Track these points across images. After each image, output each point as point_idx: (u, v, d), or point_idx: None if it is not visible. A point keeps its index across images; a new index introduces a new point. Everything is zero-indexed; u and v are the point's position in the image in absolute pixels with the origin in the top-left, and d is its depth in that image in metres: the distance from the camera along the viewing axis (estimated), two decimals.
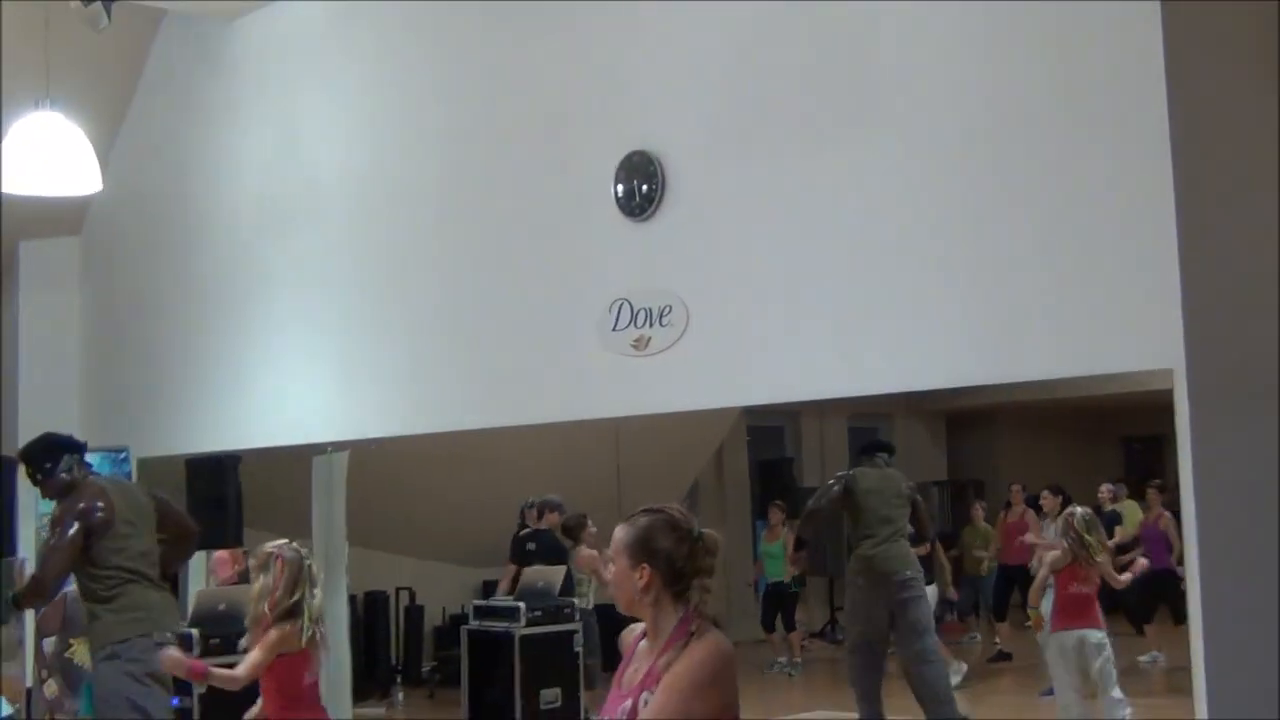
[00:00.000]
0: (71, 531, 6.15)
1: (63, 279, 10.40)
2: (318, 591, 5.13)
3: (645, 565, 3.08)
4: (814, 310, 6.01)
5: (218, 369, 9.13)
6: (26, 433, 9.85)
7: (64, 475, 6.27)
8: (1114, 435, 18.38)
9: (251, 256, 8.92)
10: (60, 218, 10.24)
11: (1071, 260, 5.24)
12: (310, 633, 5.02)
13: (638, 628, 3.22)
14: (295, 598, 5.02)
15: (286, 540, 5.24)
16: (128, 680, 6.02)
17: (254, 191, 8.95)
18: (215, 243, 9.23)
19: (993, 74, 5.46)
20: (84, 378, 10.28)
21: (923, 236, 5.66)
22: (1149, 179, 4.98)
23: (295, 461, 8.76)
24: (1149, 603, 12.59)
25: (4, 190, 7.77)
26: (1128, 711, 8.19)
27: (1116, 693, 8.17)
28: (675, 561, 3.08)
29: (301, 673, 5.00)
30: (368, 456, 8.67)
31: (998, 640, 14.44)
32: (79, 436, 9.29)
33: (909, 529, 9.80)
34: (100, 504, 6.25)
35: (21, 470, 9.50)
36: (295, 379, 8.58)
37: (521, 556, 10.06)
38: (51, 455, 6.31)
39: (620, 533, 3.16)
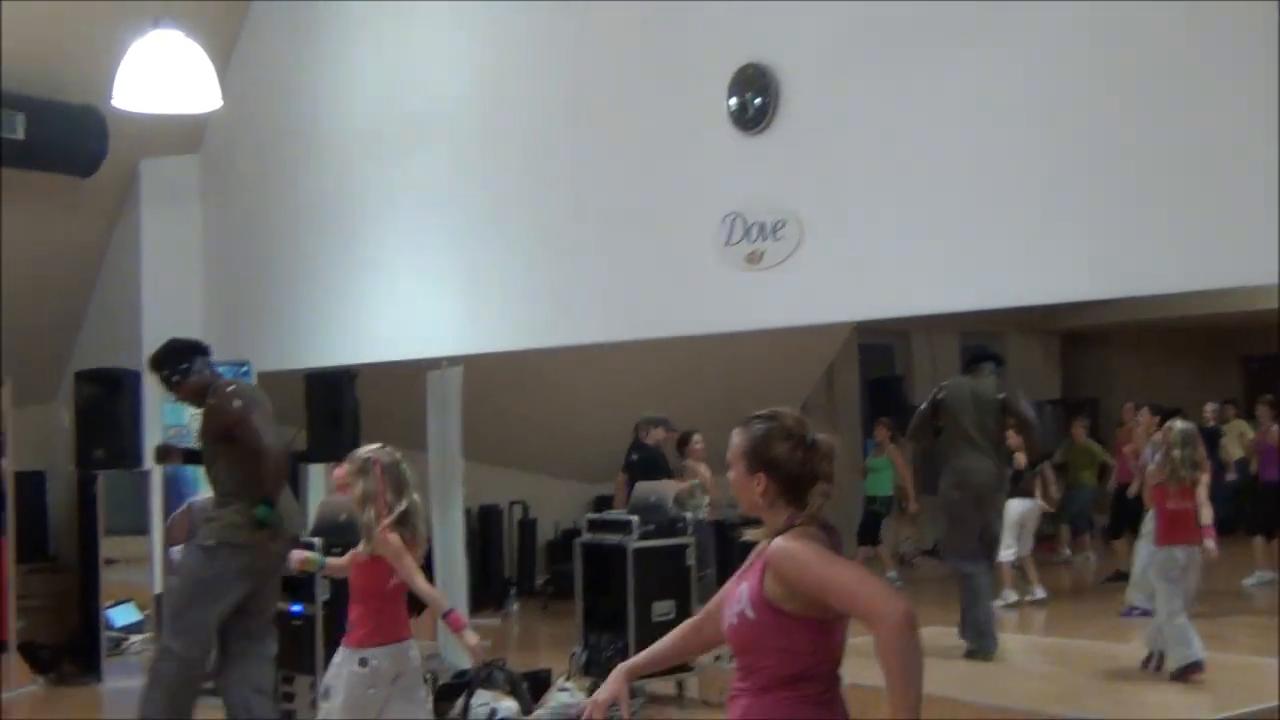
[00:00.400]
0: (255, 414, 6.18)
1: (184, 196, 10.58)
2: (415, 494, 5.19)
3: (761, 473, 3.09)
4: (929, 225, 5.96)
5: (335, 285, 9.27)
6: (152, 348, 10.08)
7: (197, 377, 6.29)
8: (1232, 355, 18.10)
9: (369, 173, 9.02)
10: (180, 135, 10.41)
11: (1190, 177, 5.15)
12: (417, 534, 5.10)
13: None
14: (404, 500, 5.08)
15: (380, 444, 5.26)
16: (209, 566, 6.16)
17: (371, 109, 9.03)
18: (333, 160, 9.34)
19: None
20: (206, 293, 10.49)
21: (1041, 151, 5.58)
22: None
23: (411, 376, 8.88)
24: (1263, 520, 12.47)
25: (125, 108, 7.92)
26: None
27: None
28: (790, 468, 3.08)
29: (389, 575, 5.08)
30: (482, 372, 8.78)
31: (1084, 557, 14.39)
32: None
33: (1003, 441, 9.73)
34: (256, 397, 6.33)
35: (149, 381, 9.77)
36: (412, 295, 8.69)
37: (628, 470, 10.17)
38: (184, 358, 6.32)
39: (737, 439, 3.15)
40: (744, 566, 3.17)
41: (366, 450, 5.10)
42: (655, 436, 9.92)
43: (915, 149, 6.01)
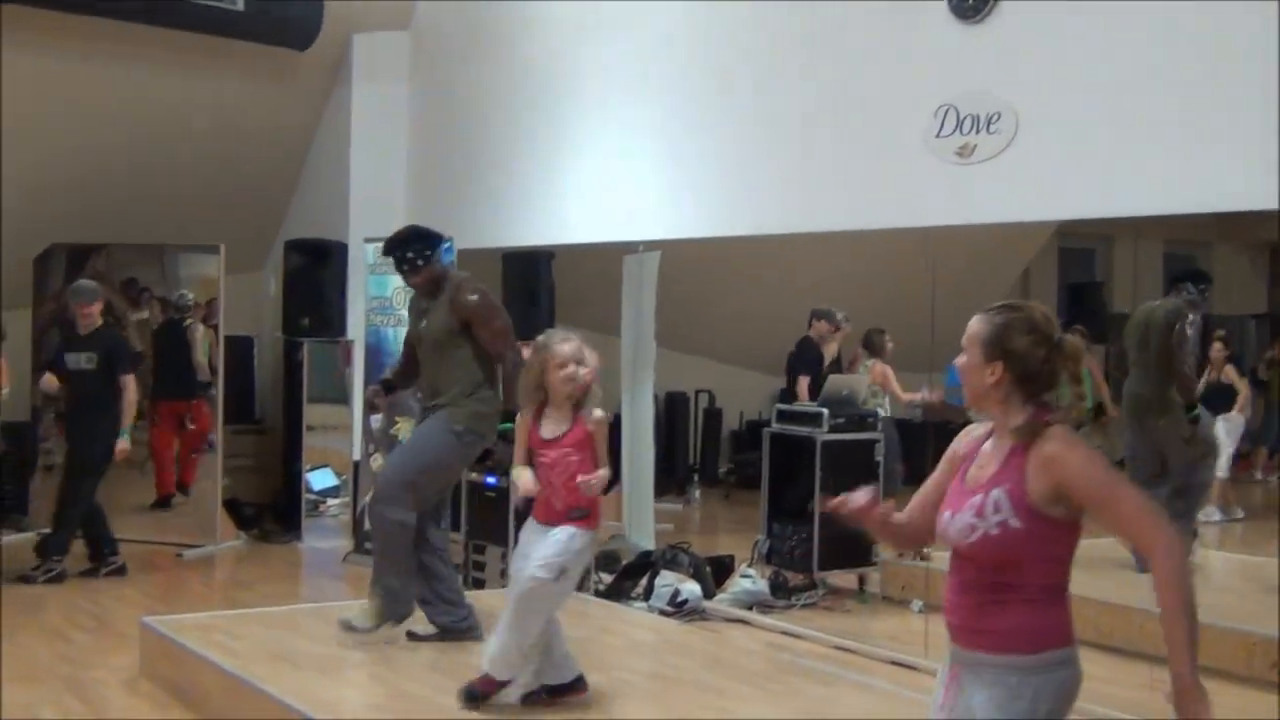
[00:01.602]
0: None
1: (393, 72, 10.75)
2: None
3: (999, 362, 2.99)
4: (1149, 122, 5.74)
5: (537, 165, 9.35)
6: (359, 221, 10.37)
7: (436, 267, 6.22)
8: None
9: (574, 55, 9.03)
10: (391, 11, 10.58)
11: None
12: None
13: (975, 430, 3.18)
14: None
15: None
16: (456, 449, 6.24)
17: None
18: (538, 40, 9.37)
19: None
20: (411, 169, 10.68)
21: (1269, 45, 5.30)
22: None
23: (608, 259, 8.93)
24: None
25: None
26: None
27: None
28: (1029, 363, 2.98)
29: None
30: (677, 259, 8.79)
31: None
32: (404, 225, 9.72)
33: (1171, 362, 9.32)
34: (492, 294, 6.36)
35: (355, 252, 10.02)
36: (612, 177, 8.73)
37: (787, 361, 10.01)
38: (427, 245, 6.21)
39: (976, 326, 3.05)
40: (966, 461, 3.09)
41: (568, 335, 5.03)
42: (818, 330, 9.81)
43: (1138, 43, 5.78)
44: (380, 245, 9.36)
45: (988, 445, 3.08)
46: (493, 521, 8.01)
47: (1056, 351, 3.00)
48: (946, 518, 3.03)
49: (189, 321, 10.27)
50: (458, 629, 6.14)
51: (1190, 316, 8.80)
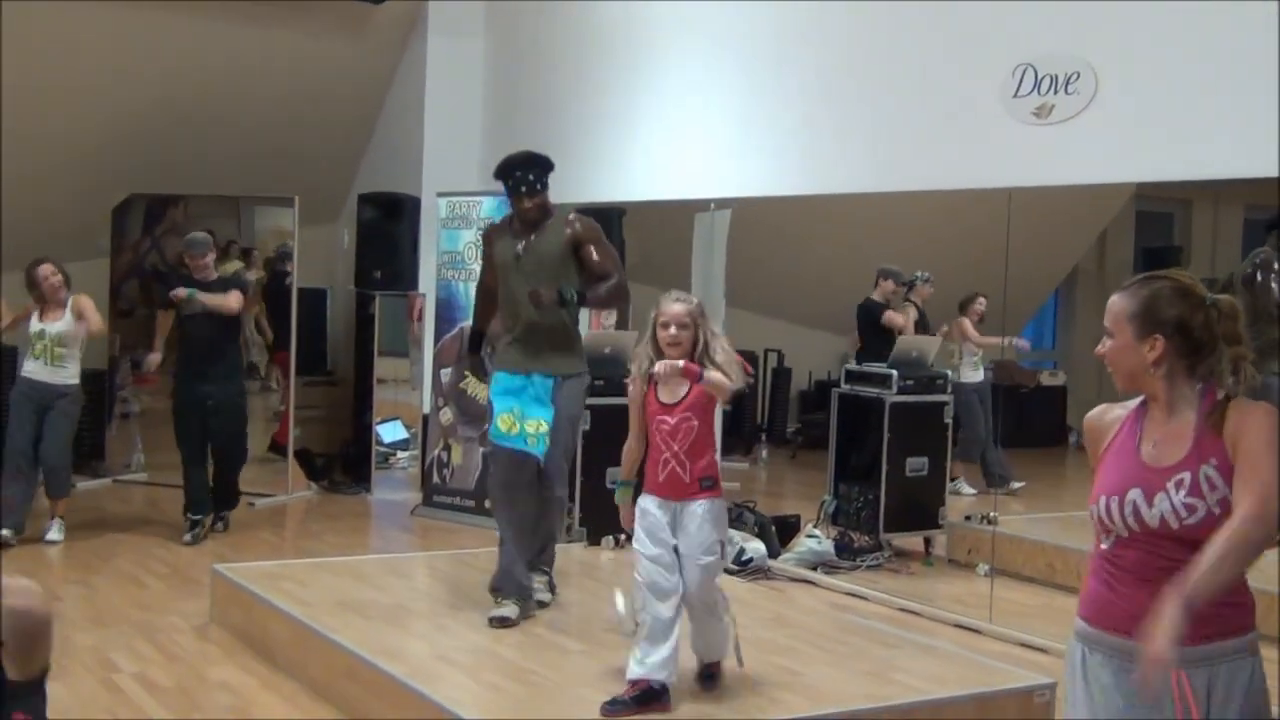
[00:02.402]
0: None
1: (467, 26, 10.77)
2: None
3: (1158, 336, 2.83)
4: (1228, 83, 5.63)
5: (609, 122, 9.33)
6: (432, 176, 10.41)
7: (548, 193, 6.12)
8: None
9: (648, 13, 8.99)
10: None
11: None
12: None
13: (1112, 409, 2.98)
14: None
15: (674, 291, 5.15)
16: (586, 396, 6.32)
17: None
18: None
19: None
20: (484, 123, 10.69)
21: None
22: None
23: (679, 216, 8.91)
24: None
25: None
26: None
27: None
28: (1191, 330, 2.82)
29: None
30: (747, 217, 8.75)
31: None
32: (478, 182, 9.70)
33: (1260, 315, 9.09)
34: None
35: (428, 206, 10.01)
36: (683, 135, 8.70)
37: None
38: (550, 169, 6.17)
39: (1121, 302, 2.88)
40: (1125, 437, 2.93)
41: (685, 294, 4.83)
42: (883, 290, 9.71)
43: (1221, 6, 5.66)
44: (452, 200, 9.51)
45: (1153, 421, 2.91)
46: None
47: (1214, 312, 2.85)
48: (1138, 499, 2.83)
49: (291, 276, 10.28)
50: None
51: (1277, 264, 8.49)
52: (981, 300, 9.79)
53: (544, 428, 5.91)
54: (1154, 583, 2.76)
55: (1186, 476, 2.79)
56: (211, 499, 8.55)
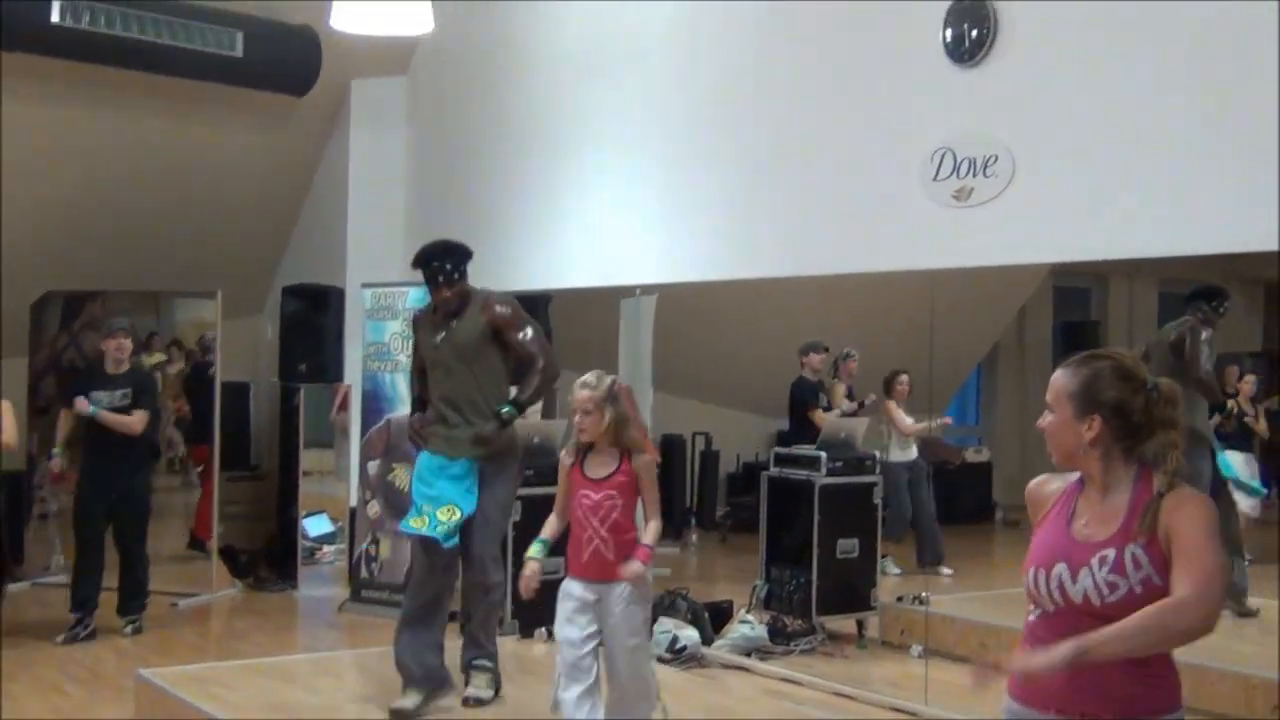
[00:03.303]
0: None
1: (391, 117, 10.79)
2: None
3: (1095, 416, 2.82)
4: (1145, 164, 5.73)
5: (534, 210, 9.36)
6: (357, 267, 10.37)
7: (465, 282, 6.15)
8: None
9: (571, 101, 9.06)
10: (390, 57, 10.61)
11: None
12: None
13: (1052, 481, 3.01)
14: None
15: (597, 371, 5.15)
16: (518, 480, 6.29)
17: (575, 36, 9.05)
18: (537, 85, 9.40)
19: None
20: (408, 214, 10.68)
21: (1268, 90, 5.30)
22: None
23: (606, 301, 8.92)
24: None
25: (342, 29, 8.05)
26: None
27: None
28: (1130, 413, 2.82)
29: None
30: (672, 303, 8.78)
31: None
32: (403, 272, 9.65)
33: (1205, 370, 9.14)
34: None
35: (352, 298, 9.96)
36: (608, 222, 8.74)
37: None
38: (466, 258, 6.21)
39: (1063, 379, 2.88)
40: (1059, 513, 2.93)
41: (603, 376, 4.90)
42: (811, 364, 9.75)
43: (1135, 88, 5.78)
44: (377, 291, 9.46)
45: (1087, 499, 2.91)
46: None
47: (1154, 396, 2.84)
48: (1063, 573, 2.83)
49: (214, 367, 10.16)
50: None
51: (1204, 333, 8.51)
52: (904, 378, 9.86)
53: (456, 515, 5.86)
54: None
55: (1111, 554, 2.79)
56: (121, 598, 8.42)
